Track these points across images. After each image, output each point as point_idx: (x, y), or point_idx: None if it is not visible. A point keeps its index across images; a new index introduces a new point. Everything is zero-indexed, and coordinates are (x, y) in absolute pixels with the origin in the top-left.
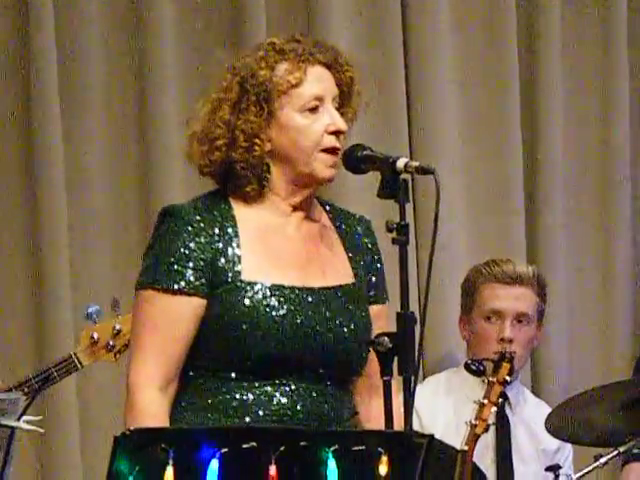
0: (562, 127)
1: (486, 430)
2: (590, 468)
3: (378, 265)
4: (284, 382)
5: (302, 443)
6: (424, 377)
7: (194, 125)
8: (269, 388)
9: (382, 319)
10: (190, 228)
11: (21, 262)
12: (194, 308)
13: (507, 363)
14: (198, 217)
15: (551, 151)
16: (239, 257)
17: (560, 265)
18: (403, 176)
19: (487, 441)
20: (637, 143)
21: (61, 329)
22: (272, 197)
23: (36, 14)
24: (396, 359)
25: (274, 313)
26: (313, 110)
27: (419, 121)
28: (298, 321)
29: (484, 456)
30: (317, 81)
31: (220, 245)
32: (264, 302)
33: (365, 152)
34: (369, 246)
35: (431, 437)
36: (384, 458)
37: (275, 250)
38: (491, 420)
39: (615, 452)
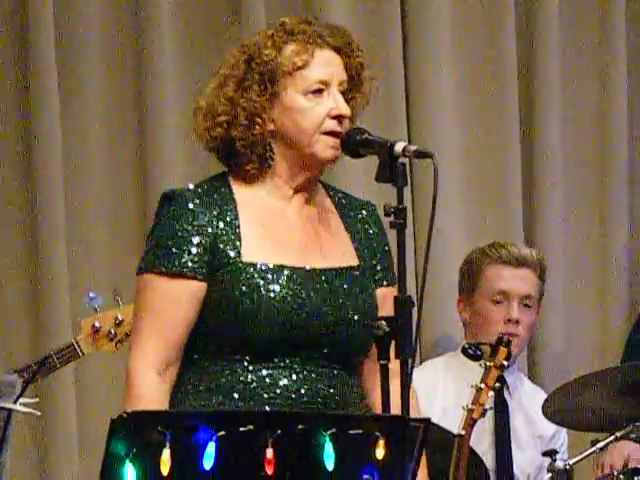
0: (559, 116)
1: (483, 415)
2: (587, 453)
3: (386, 248)
4: (289, 365)
5: (299, 426)
6: (421, 361)
7: (201, 100)
8: (274, 371)
9: (389, 302)
10: (189, 211)
11: (19, 251)
12: (194, 291)
13: (504, 347)
14: (198, 200)
15: (549, 143)
16: (240, 239)
17: (557, 251)
18: (401, 160)
19: (485, 426)
20: (635, 134)
21: (60, 318)
22: (274, 179)
23: (36, 14)
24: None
25: (275, 294)
26: (317, 93)
27: (418, 118)
28: (299, 301)
29: (482, 440)
30: (324, 65)
31: (220, 227)
32: (265, 283)
33: (364, 136)
34: (374, 230)
35: (428, 421)
36: (381, 441)
37: (275, 232)
38: (488, 405)
39: (612, 437)
